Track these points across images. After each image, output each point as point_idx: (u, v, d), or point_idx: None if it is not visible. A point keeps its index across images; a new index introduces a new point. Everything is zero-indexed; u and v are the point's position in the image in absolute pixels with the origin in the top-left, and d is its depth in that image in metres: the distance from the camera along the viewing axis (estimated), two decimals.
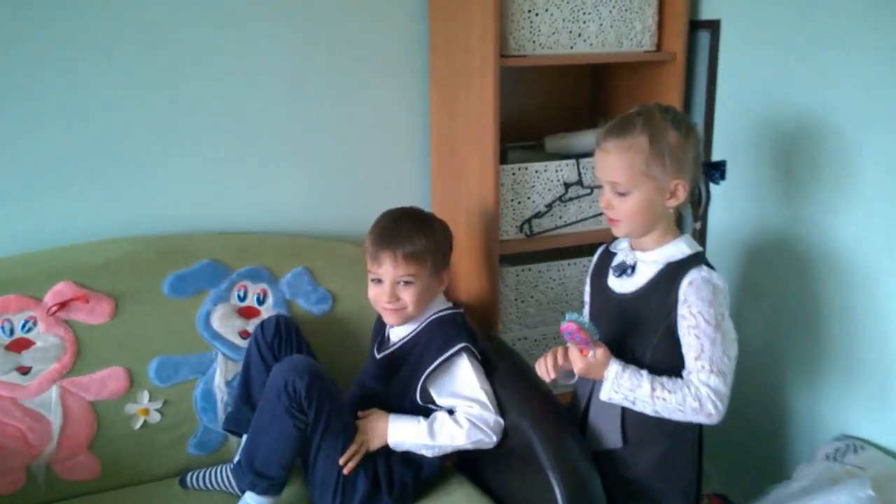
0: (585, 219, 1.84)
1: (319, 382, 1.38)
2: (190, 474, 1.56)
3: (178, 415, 1.62)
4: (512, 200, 1.76)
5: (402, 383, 1.52)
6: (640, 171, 1.31)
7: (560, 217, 1.81)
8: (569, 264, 1.86)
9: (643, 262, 1.39)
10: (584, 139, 1.86)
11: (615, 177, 1.33)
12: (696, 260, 1.33)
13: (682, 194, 1.34)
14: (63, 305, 1.54)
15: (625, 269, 1.41)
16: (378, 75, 1.89)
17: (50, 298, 1.54)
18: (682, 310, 1.30)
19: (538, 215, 1.79)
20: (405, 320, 1.53)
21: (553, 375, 1.34)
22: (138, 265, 1.63)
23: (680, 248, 1.36)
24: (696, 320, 1.27)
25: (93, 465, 1.55)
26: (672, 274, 1.33)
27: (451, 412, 1.46)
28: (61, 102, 1.64)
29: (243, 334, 1.68)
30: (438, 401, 1.48)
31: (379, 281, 1.51)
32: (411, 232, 1.49)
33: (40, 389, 1.52)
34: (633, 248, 1.42)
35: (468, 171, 1.78)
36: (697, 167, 1.37)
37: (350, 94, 1.88)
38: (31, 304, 1.54)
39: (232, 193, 1.83)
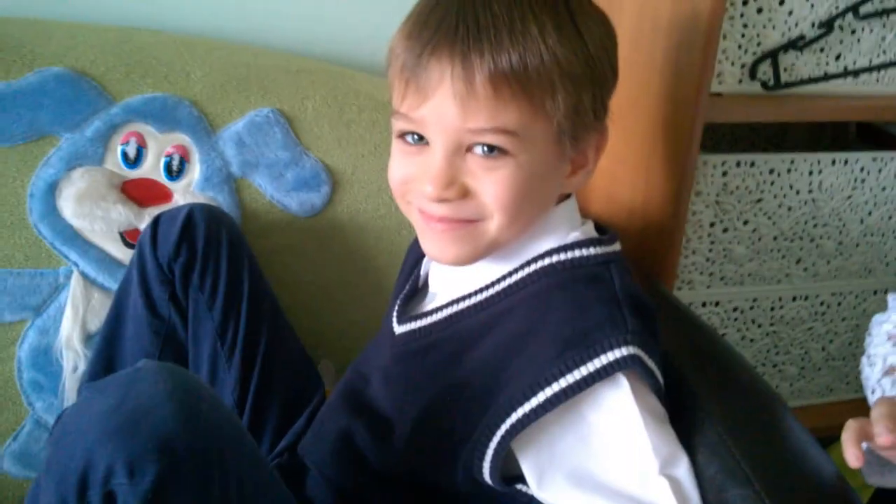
0: None
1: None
2: None
3: None
4: (733, 5, 0.77)
5: (443, 412, 0.59)
6: None
7: (843, 52, 0.82)
8: (833, 162, 0.87)
9: None
10: None
11: None
12: None
13: None
14: None
15: None
16: None
17: None
18: None
19: (796, 44, 0.80)
20: (474, 255, 0.59)
21: (861, 462, 0.55)
22: None
23: None
24: None
25: None
26: None
27: None
28: None
29: (129, 236, 0.82)
30: (540, 492, 0.55)
31: (419, 139, 0.57)
32: (523, 13, 0.53)
33: None
34: None
35: None
36: None
37: None
38: None
39: None
